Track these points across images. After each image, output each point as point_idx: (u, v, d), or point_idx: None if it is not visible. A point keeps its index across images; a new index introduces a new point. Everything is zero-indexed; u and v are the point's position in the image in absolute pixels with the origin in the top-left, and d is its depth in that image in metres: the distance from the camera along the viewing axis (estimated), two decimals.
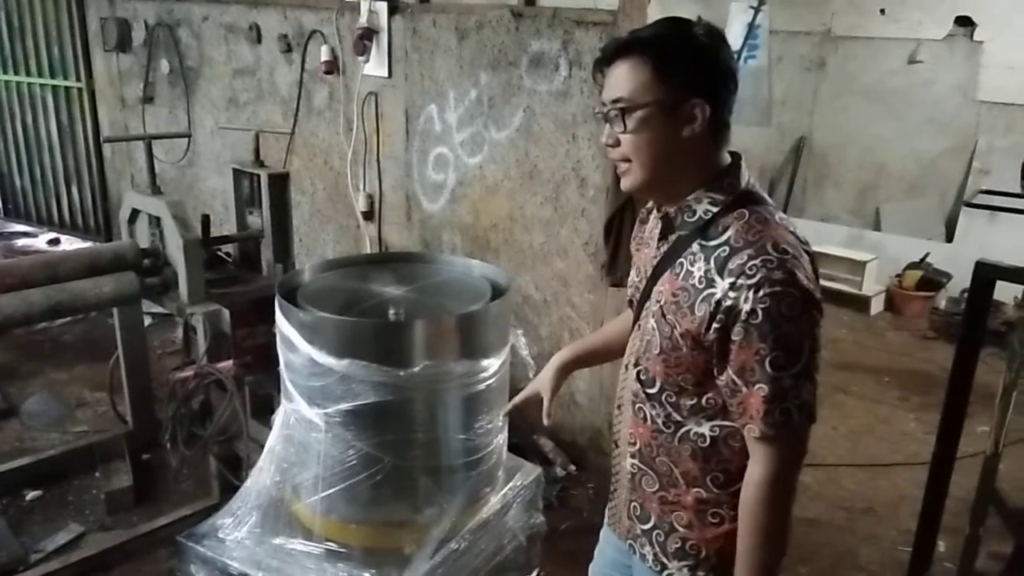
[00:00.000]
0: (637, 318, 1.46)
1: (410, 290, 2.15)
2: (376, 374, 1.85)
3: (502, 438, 2.21)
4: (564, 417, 3.48)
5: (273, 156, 4.34)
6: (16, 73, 6.40)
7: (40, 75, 6.22)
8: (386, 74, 3.78)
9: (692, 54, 1.28)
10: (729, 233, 1.27)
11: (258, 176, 3.11)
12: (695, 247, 1.31)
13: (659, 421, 1.40)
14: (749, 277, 1.21)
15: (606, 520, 1.68)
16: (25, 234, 6.99)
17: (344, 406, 1.90)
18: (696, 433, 1.36)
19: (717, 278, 1.25)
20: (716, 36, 1.32)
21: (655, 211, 1.46)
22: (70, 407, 3.94)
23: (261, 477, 2.14)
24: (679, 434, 1.37)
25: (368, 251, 4.04)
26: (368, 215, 4.03)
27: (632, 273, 1.53)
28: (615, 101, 1.32)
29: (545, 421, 1.76)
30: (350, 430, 1.92)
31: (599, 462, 3.40)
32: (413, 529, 2.04)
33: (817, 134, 6.92)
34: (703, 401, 1.34)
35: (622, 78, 1.30)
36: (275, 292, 2.00)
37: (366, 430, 1.91)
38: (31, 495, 3.13)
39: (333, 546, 2.00)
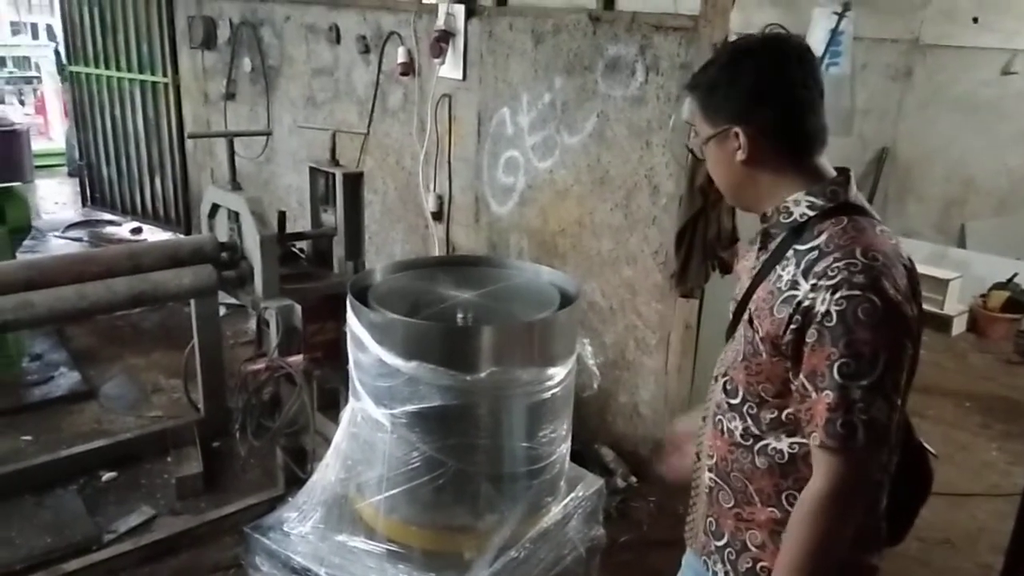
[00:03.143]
0: (732, 330, 1.44)
1: (479, 294, 2.15)
2: (443, 377, 1.85)
3: (565, 448, 2.19)
4: (627, 427, 3.44)
5: (348, 155, 4.41)
6: (107, 68, 6.69)
7: (129, 70, 6.49)
8: (460, 76, 3.80)
9: (729, 85, 1.31)
10: (822, 238, 1.25)
11: (333, 175, 3.17)
12: (789, 253, 1.29)
13: (737, 434, 1.37)
14: (830, 278, 1.18)
15: (685, 536, 1.64)
16: (110, 222, 7.31)
17: (410, 408, 1.90)
18: (774, 448, 1.32)
19: (801, 280, 1.23)
20: (774, 54, 1.31)
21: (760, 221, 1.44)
22: (146, 392, 4.09)
23: (326, 473, 2.16)
24: (757, 448, 1.34)
25: (436, 251, 4.07)
26: (437, 216, 4.06)
27: (736, 290, 1.50)
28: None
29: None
30: (415, 432, 1.92)
31: (661, 475, 3.34)
32: (474, 535, 2.03)
33: (901, 145, 6.66)
34: (783, 416, 1.30)
35: (688, 111, 1.41)
36: (346, 290, 2.02)
37: (430, 433, 1.91)
38: (106, 476, 3.25)
39: (394, 547, 2.01)
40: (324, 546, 2.05)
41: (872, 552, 1.38)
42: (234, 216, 3.05)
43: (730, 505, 1.41)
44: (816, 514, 1.22)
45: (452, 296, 2.13)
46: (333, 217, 3.23)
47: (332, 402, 2.84)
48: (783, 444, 1.31)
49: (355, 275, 2.55)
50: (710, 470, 1.45)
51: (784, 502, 1.33)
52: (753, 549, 1.38)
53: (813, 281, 1.20)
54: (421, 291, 2.17)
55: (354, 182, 3.17)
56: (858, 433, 1.17)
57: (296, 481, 2.99)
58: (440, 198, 4.04)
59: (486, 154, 3.78)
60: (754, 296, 1.34)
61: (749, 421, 1.34)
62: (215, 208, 3.18)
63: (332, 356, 3.03)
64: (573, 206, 3.42)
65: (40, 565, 2.62)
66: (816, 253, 1.23)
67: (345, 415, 2.12)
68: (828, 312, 1.17)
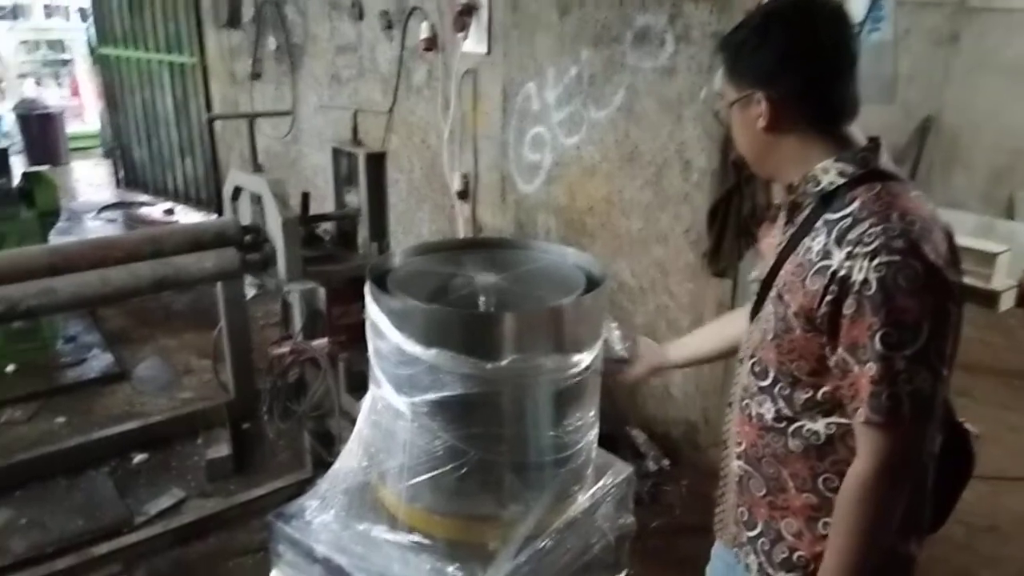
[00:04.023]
0: (757, 310, 1.37)
1: (502, 278, 2.08)
2: (463, 366, 1.79)
3: (592, 435, 2.12)
4: (658, 410, 3.36)
5: (373, 134, 4.36)
6: (135, 49, 6.71)
7: (157, 51, 6.50)
8: (485, 51, 3.71)
9: (757, 48, 1.26)
10: (855, 204, 1.18)
11: (355, 155, 3.11)
12: (819, 224, 1.21)
13: (768, 417, 1.30)
14: (866, 245, 1.12)
15: (714, 527, 1.58)
16: (144, 203, 7.38)
17: (431, 396, 1.85)
18: (810, 430, 1.25)
19: (835, 249, 1.16)
20: (805, 18, 1.24)
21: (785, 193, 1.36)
22: (178, 373, 4.11)
23: (349, 460, 2.13)
24: (791, 431, 1.27)
25: (462, 231, 4.01)
26: (463, 195, 3.99)
27: (757, 269, 1.42)
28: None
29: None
30: (436, 420, 1.87)
31: (694, 458, 3.27)
32: (498, 524, 1.98)
33: (947, 113, 6.39)
34: (819, 395, 1.23)
35: (719, 77, 1.34)
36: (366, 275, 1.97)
37: (452, 422, 1.86)
38: (138, 458, 3.28)
39: (417, 536, 1.97)
40: (346, 535, 2.02)
41: (912, 540, 1.30)
42: (256, 198, 3.01)
43: (762, 493, 1.35)
44: (864, 496, 1.16)
45: (474, 280, 2.07)
46: (357, 198, 3.18)
47: (360, 385, 2.80)
48: (819, 425, 1.24)
49: (374, 259, 2.49)
50: (739, 457, 1.40)
51: (821, 486, 1.26)
52: (789, 538, 1.32)
53: (848, 249, 1.14)
54: (442, 275, 2.11)
55: (377, 162, 3.12)
56: (903, 406, 1.10)
57: (324, 464, 2.98)
58: (466, 177, 3.96)
59: (512, 131, 3.69)
60: (781, 271, 1.28)
61: (782, 403, 1.28)
62: (238, 190, 3.15)
63: (358, 339, 2.99)
64: (601, 183, 3.32)
65: (71, 548, 2.65)
66: (849, 220, 1.16)
67: (366, 402, 2.08)
68: (866, 280, 1.10)
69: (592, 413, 2.11)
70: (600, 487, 2.23)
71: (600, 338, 2.08)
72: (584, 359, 1.97)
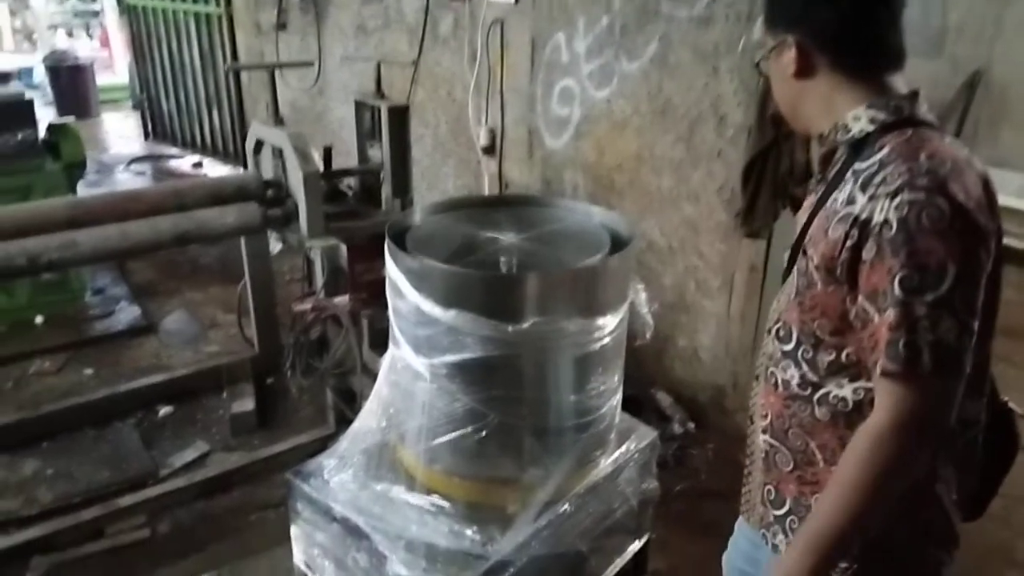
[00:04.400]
0: (786, 275, 1.30)
1: (525, 238, 2.01)
2: (483, 328, 1.74)
3: (616, 400, 2.07)
4: (685, 373, 3.30)
5: (398, 86, 4.26)
6: None
7: (183, 0, 6.41)
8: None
9: None
10: (884, 151, 1.10)
11: (378, 108, 3.03)
12: (848, 174, 1.14)
13: (793, 384, 1.23)
14: (889, 185, 1.04)
15: (741, 508, 1.52)
16: (172, 156, 7.38)
17: (450, 358, 1.80)
18: (836, 396, 1.18)
19: (858, 195, 1.09)
20: None
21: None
22: (204, 327, 4.13)
23: (368, 419, 2.10)
24: (816, 398, 1.20)
25: (487, 188, 3.92)
26: (489, 150, 3.90)
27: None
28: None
29: None
30: (455, 383, 1.83)
31: (721, 422, 3.21)
32: (517, 488, 1.94)
33: (997, 68, 6.07)
34: (843, 357, 1.16)
35: (758, 25, 1.24)
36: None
37: (471, 384, 1.81)
38: (163, 411, 3.31)
39: (435, 498, 1.94)
40: (364, 495, 2.00)
41: (941, 545, 1.24)
42: (278, 152, 2.96)
43: (789, 468, 1.28)
44: (873, 452, 1.06)
45: (496, 240, 2.00)
46: (380, 152, 3.11)
47: (383, 342, 2.77)
48: (846, 391, 1.17)
49: (393, 217, 2.43)
50: (764, 431, 1.33)
51: None
52: None
53: (871, 191, 1.06)
54: (463, 234, 2.05)
55: (400, 116, 3.04)
56: (923, 356, 1.01)
57: (347, 421, 2.97)
58: (492, 132, 3.86)
59: (540, 84, 3.57)
60: (810, 228, 1.20)
61: (805, 367, 1.21)
62: (259, 144, 3.09)
63: (380, 296, 2.95)
64: (632, 139, 3.21)
65: (97, 499, 2.68)
66: (876, 166, 1.09)
67: (385, 362, 2.04)
68: (887, 221, 1.03)
69: (616, 378, 2.05)
70: (623, 452, 2.18)
71: (626, 300, 2.01)
72: (609, 323, 1.90)
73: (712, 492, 2.86)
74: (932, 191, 1.02)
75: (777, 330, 1.28)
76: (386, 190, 3.16)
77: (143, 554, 2.51)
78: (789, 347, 1.24)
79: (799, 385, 1.23)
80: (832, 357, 1.17)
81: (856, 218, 1.07)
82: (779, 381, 1.27)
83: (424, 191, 4.34)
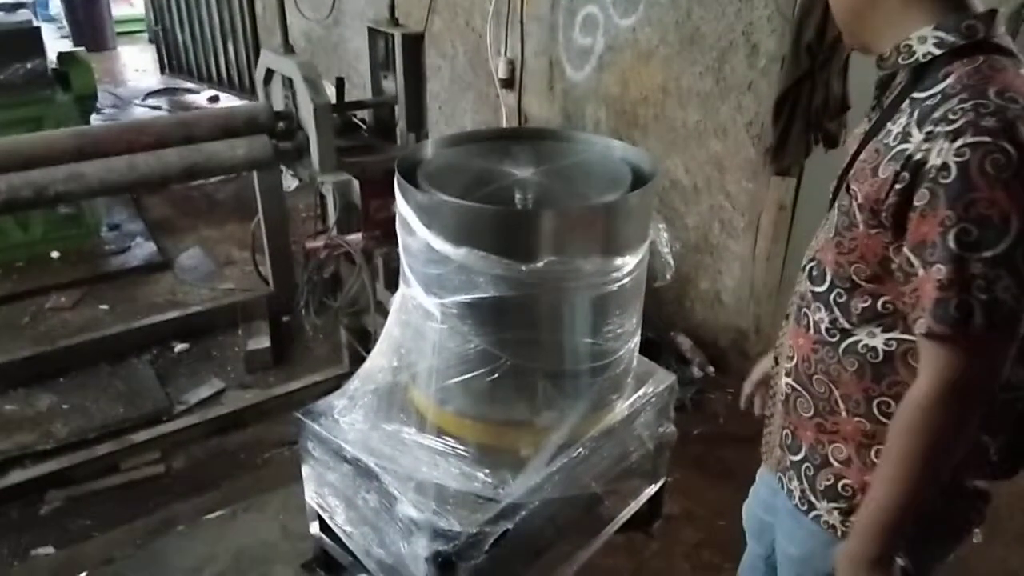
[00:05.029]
0: (829, 210, 1.20)
1: (541, 172, 1.91)
2: (496, 267, 1.66)
3: (633, 343, 2.00)
4: (706, 315, 3.21)
5: (415, 15, 4.09)
6: None
7: None
8: None
9: None
10: (948, 80, 0.98)
11: (392, 36, 2.90)
12: (905, 104, 1.02)
13: (822, 327, 1.15)
14: (950, 123, 0.92)
15: (761, 451, 1.46)
16: (189, 90, 7.26)
17: (461, 298, 1.73)
18: (866, 346, 1.10)
19: (915, 130, 0.97)
20: None
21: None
22: (219, 264, 4.10)
23: (379, 359, 2.06)
24: (844, 345, 1.12)
25: (506, 123, 3.79)
26: (508, 83, 3.75)
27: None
28: None
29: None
30: (467, 323, 1.76)
31: (742, 366, 3.13)
32: (531, 431, 1.90)
33: None
34: (879, 305, 1.07)
35: None
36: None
37: (484, 325, 1.75)
38: (179, 347, 3.29)
39: (447, 440, 1.90)
40: (375, 435, 1.97)
41: (977, 474, 1.16)
42: (288, 83, 2.85)
43: (809, 414, 1.22)
44: (921, 421, 1.00)
45: (511, 174, 1.91)
46: (394, 84, 2.99)
47: (398, 281, 2.72)
48: (877, 340, 1.09)
49: (404, 150, 2.33)
50: (788, 374, 1.26)
51: (875, 411, 1.12)
52: (835, 464, 1.19)
53: (929, 128, 0.95)
54: (476, 169, 1.95)
55: (415, 44, 2.90)
56: (975, 316, 0.92)
57: (361, 360, 2.94)
58: (511, 63, 3.71)
59: (561, 11, 3.40)
60: (857, 160, 1.09)
61: (837, 312, 1.13)
62: (270, 74, 2.99)
63: (395, 234, 2.89)
64: (657, 70, 3.06)
65: (111, 435, 2.69)
66: (938, 98, 0.97)
67: (396, 301, 1.98)
68: (945, 165, 0.92)
69: (634, 320, 1.97)
70: (640, 396, 2.12)
71: (646, 240, 1.92)
72: (628, 263, 1.82)
73: (730, 437, 2.80)
74: (999, 134, 0.90)
75: (810, 269, 1.19)
76: (400, 124, 3.05)
77: (157, 489, 2.52)
78: (821, 288, 1.15)
79: (828, 330, 1.15)
80: (866, 304, 1.09)
81: (909, 158, 0.96)
82: (810, 323, 1.18)
83: (442, 127, 4.22)
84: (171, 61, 7.36)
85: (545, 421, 1.89)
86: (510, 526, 1.78)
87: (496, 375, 1.80)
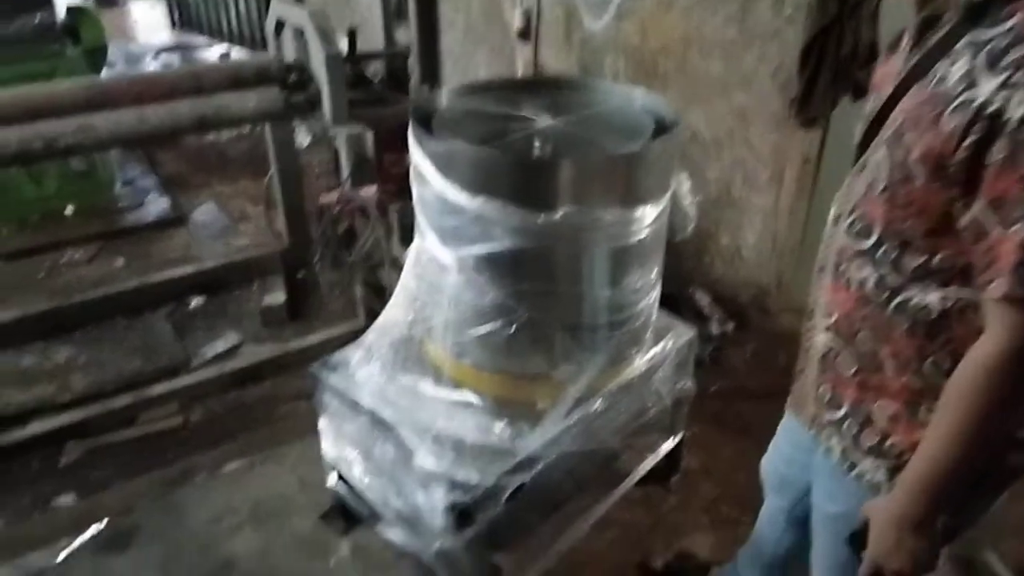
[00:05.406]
0: (859, 158, 1.15)
1: (560, 121, 1.86)
2: (513, 217, 1.62)
3: (653, 296, 1.95)
4: (726, 271, 3.16)
5: None
6: None
7: None
8: None
9: None
10: (1016, 18, 0.90)
11: None
12: (961, 44, 0.95)
13: (868, 286, 1.10)
14: None
15: (787, 407, 1.43)
16: (200, 46, 7.19)
17: (477, 249, 1.70)
18: (918, 304, 1.05)
19: (983, 76, 0.90)
20: None
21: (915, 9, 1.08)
22: (233, 220, 4.08)
23: (394, 312, 2.04)
24: (895, 303, 1.07)
25: (520, 75, 3.71)
26: (523, 34, 3.65)
27: (866, 108, 1.17)
28: None
29: None
30: (483, 275, 1.73)
31: (761, 323, 3.10)
32: (548, 384, 1.87)
33: None
34: (935, 261, 1.02)
35: None
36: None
37: (500, 277, 1.71)
38: (195, 302, 3.30)
39: (464, 392, 1.88)
40: (391, 388, 1.95)
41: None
42: (299, 33, 2.79)
43: (852, 371, 1.17)
44: (986, 383, 0.96)
45: (529, 123, 1.85)
46: (407, 34, 2.92)
47: (413, 237, 2.69)
48: (931, 297, 1.04)
49: (419, 98, 2.28)
50: (826, 330, 1.21)
51: (928, 369, 1.08)
52: (881, 423, 1.15)
53: (1004, 76, 0.88)
54: (494, 117, 1.90)
55: None
56: None
57: (376, 315, 2.92)
58: (527, 13, 3.61)
59: None
60: (901, 105, 1.03)
61: (886, 269, 1.07)
62: (280, 24, 2.92)
63: (409, 188, 2.85)
64: (678, 19, 2.96)
65: (129, 387, 2.70)
66: (1008, 38, 0.89)
67: (411, 253, 1.94)
68: None
69: (654, 273, 1.93)
70: (659, 350, 2.09)
71: (668, 191, 1.87)
72: (648, 214, 1.77)
73: (749, 393, 2.78)
74: None
75: (852, 223, 1.13)
76: (414, 76, 2.98)
77: (175, 441, 2.54)
78: (867, 245, 1.10)
79: (876, 287, 1.10)
80: (921, 260, 1.03)
81: (981, 107, 0.89)
82: (851, 280, 1.13)
83: (455, 81, 4.13)
84: (182, 17, 7.28)
85: (563, 374, 1.87)
86: (527, 478, 1.77)
87: (513, 327, 1.77)
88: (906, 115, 1.01)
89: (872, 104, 1.16)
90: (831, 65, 2.46)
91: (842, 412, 1.21)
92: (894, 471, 1.14)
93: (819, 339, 1.24)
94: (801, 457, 1.42)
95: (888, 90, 1.08)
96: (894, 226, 1.04)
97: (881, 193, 1.05)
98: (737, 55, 2.80)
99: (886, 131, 1.06)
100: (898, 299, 1.07)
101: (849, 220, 1.14)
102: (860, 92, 2.54)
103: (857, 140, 1.18)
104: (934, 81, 0.97)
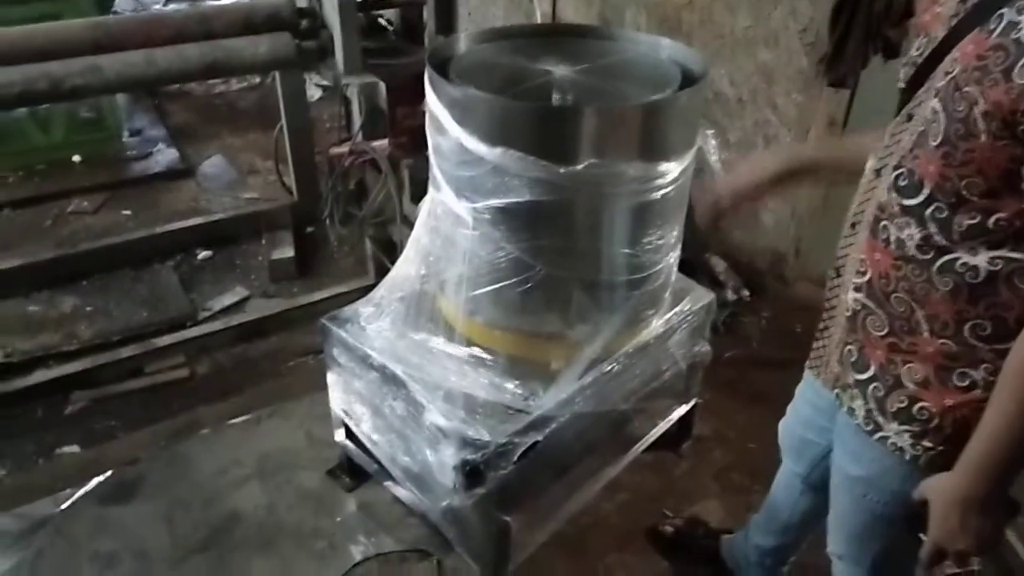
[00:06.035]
0: (903, 106, 1.08)
1: (582, 70, 1.78)
2: (532, 168, 1.56)
3: (673, 257, 1.90)
4: (743, 236, 3.09)
5: None
6: None
7: None
8: None
9: None
10: None
11: None
12: None
13: (910, 244, 1.04)
14: None
15: (807, 368, 1.38)
16: None
17: (494, 202, 1.64)
18: (965, 264, 0.99)
19: None
20: None
21: None
22: (243, 172, 4.01)
23: (406, 267, 1.99)
24: (939, 264, 1.02)
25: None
26: None
27: (911, 50, 1.10)
28: None
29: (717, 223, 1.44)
30: (499, 229, 1.67)
31: (778, 291, 3.04)
32: (563, 344, 1.83)
33: None
34: (990, 222, 0.96)
35: None
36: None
37: (517, 232, 1.66)
38: (202, 255, 3.25)
39: (476, 350, 1.84)
40: (402, 344, 1.91)
41: None
42: None
43: (882, 332, 1.12)
44: None
45: (550, 71, 1.78)
46: None
47: (424, 191, 2.63)
48: (980, 259, 0.98)
49: (436, 44, 2.20)
50: (857, 289, 1.15)
51: (967, 333, 1.02)
52: (910, 386, 1.10)
53: None
54: (514, 65, 1.82)
55: None
56: None
57: (386, 272, 2.87)
58: None
59: None
60: (956, 52, 0.96)
61: (933, 228, 1.01)
62: None
63: (422, 143, 2.77)
64: None
65: (135, 338, 2.67)
66: None
67: (424, 206, 1.89)
68: None
69: (676, 233, 1.87)
70: (676, 313, 2.04)
71: (693, 146, 1.80)
72: (673, 170, 1.70)
73: (763, 361, 2.73)
74: None
75: (897, 177, 1.06)
76: (429, 25, 2.89)
77: (182, 393, 2.51)
78: (914, 202, 1.03)
79: (919, 247, 1.03)
80: (975, 220, 0.97)
81: None
82: (892, 238, 1.07)
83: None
84: None
85: (578, 334, 1.82)
86: (540, 438, 1.73)
87: (529, 285, 1.72)
88: (965, 64, 0.94)
89: (919, 46, 1.08)
90: (863, 22, 2.36)
91: (868, 374, 1.16)
92: (920, 436, 1.10)
93: (848, 298, 1.19)
94: (820, 420, 1.39)
95: (940, 32, 1.01)
96: (949, 184, 0.98)
97: (936, 148, 0.98)
98: (765, 10, 2.70)
99: (936, 79, 0.99)
100: (943, 259, 1.01)
101: (894, 174, 1.07)
102: (891, 52, 2.44)
103: (901, 85, 1.10)
104: (1000, 27, 0.90)
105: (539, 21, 3.62)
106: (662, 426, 2.22)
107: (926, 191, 1.01)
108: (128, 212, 3.56)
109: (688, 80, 1.73)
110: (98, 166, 3.87)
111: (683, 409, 2.27)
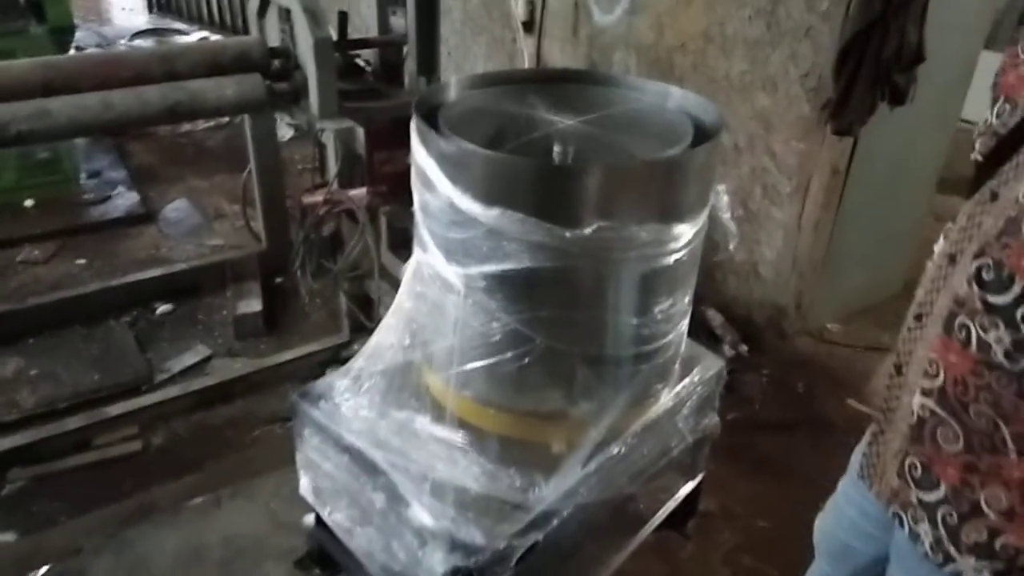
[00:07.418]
0: (981, 180, 0.92)
1: (585, 121, 1.62)
2: (534, 232, 1.38)
3: (683, 325, 1.73)
4: (740, 290, 2.94)
5: None
6: None
7: None
8: None
9: None
10: None
11: None
12: None
13: (997, 349, 0.88)
14: None
15: (857, 467, 1.20)
16: (178, 31, 6.87)
17: (489, 268, 1.46)
18: None
19: None
20: None
21: None
22: (208, 217, 3.80)
23: (388, 335, 1.78)
24: None
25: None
26: (528, 26, 3.41)
27: (990, 116, 0.94)
28: None
29: None
30: (495, 299, 1.49)
31: (778, 346, 2.89)
32: (565, 424, 1.64)
33: None
34: None
35: None
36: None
37: (515, 301, 1.48)
38: (161, 309, 3.02)
39: (467, 432, 1.64)
40: (382, 424, 1.70)
41: None
42: (285, 15, 2.53)
43: (955, 449, 0.95)
44: None
45: (549, 122, 1.61)
46: (403, 21, 2.67)
47: (404, 243, 2.45)
48: None
49: (422, 91, 2.03)
50: (926, 394, 0.98)
51: None
52: (992, 515, 0.93)
53: None
54: (508, 115, 1.66)
55: None
56: None
57: (362, 329, 2.67)
58: (531, 4, 3.37)
59: None
60: None
61: None
62: (264, 6, 2.66)
63: (402, 190, 2.60)
64: (699, 14, 2.74)
65: (85, 405, 2.43)
66: None
67: (409, 268, 1.69)
68: None
69: (687, 299, 1.70)
70: (686, 385, 1.86)
71: (707, 205, 1.64)
72: (686, 232, 1.53)
73: (767, 424, 2.56)
74: None
75: (979, 270, 0.90)
76: (410, 66, 2.73)
77: (134, 470, 2.27)
78: (1002, 300, 0.87)
79: (1008, 353, 0.87)
80: None
81: None
82: (972, 339, 0.90)
83: (451, 74, 3.88)
84: (159, 0, 6.96)
85: (582, 413, 1.63)
86: (540, 537, 1.52)
87: (527, 359, 1.53)
88: None
89: (1000, 112, 0.93)
90: (871, 67, 2.25)
91: (939, 495, 0.99)
92: (1005, 575, 0.93)
93: (913, 402, 1.01)
94: (869, 527, 1.22)
95: None
96: None
97: None
98: (763, 54, 2.58)
99: None
100: None
101: (975, 265, 0.90)
102: (898, 98, 2.33)
103: (978, 158, 0.95)
104: None
105: (524, 62, 3.48)
106: (669, 505, 2.02)
107: (1017, 288, 0.85)
108: (83, 261, 3.32)
109: (700, 132, 1.58)
110: (52, 211, 3.63)
111: (690, 486, 2.08)
